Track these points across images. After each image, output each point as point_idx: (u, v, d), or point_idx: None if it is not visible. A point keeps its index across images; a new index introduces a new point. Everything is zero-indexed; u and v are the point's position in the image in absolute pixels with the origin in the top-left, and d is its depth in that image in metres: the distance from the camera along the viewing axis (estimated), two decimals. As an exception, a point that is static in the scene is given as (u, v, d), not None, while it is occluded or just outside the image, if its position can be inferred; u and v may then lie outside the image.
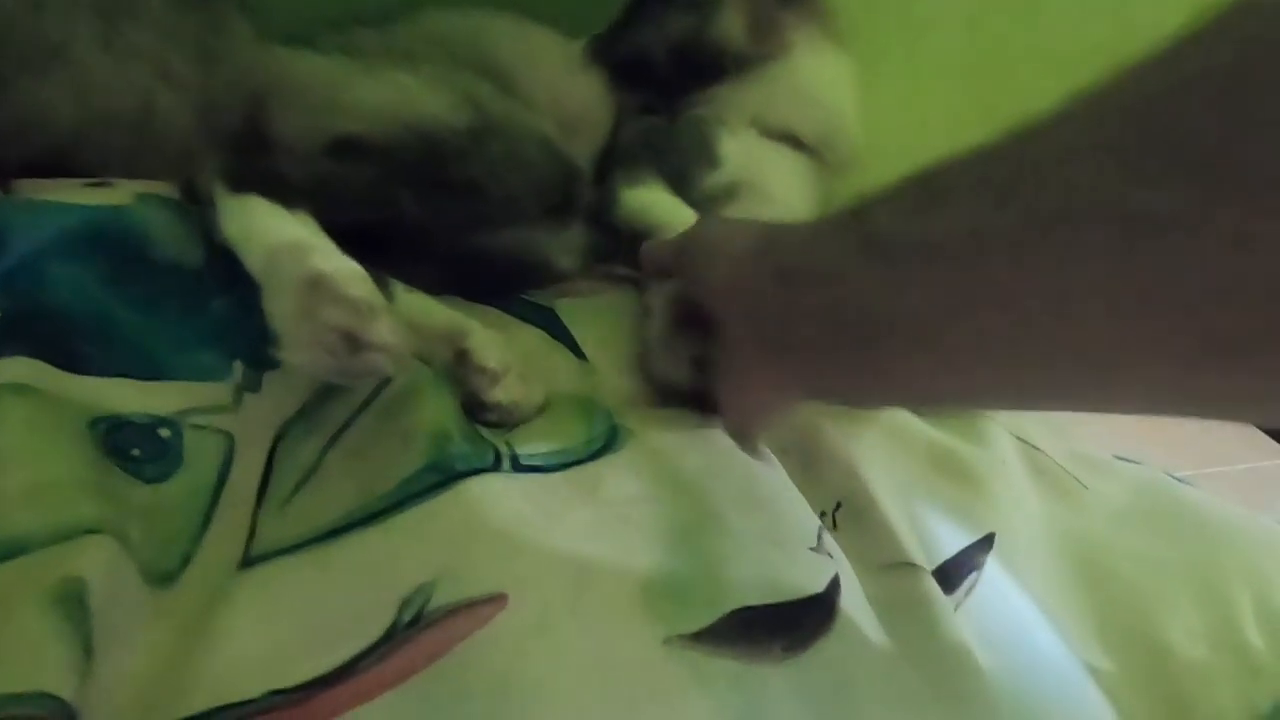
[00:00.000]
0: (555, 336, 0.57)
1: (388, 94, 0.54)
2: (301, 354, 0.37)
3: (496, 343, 0.48)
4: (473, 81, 0.61)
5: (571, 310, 0.60)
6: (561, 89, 0.69)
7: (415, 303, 0.49)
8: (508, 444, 0.40)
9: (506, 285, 0.61)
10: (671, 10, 0.67)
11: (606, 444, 0.41)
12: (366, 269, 0.42)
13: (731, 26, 0.67)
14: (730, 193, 0.68)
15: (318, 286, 0.37)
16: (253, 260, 0.42)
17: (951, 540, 0.45)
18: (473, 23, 0.69)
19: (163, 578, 0.33)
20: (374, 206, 0.50)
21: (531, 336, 0.56)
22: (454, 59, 0.63)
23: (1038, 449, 0.56)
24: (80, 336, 0.39)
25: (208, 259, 0.47)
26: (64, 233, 0.41)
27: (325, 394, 0.43)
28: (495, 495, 0.34)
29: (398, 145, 0.52)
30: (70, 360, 0.37)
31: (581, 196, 0.63)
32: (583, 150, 0.67)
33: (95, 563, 0.29)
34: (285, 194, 0.45)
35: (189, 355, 0.41)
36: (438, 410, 0.40)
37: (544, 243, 0.63)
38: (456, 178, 0.53)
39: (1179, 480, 0.58)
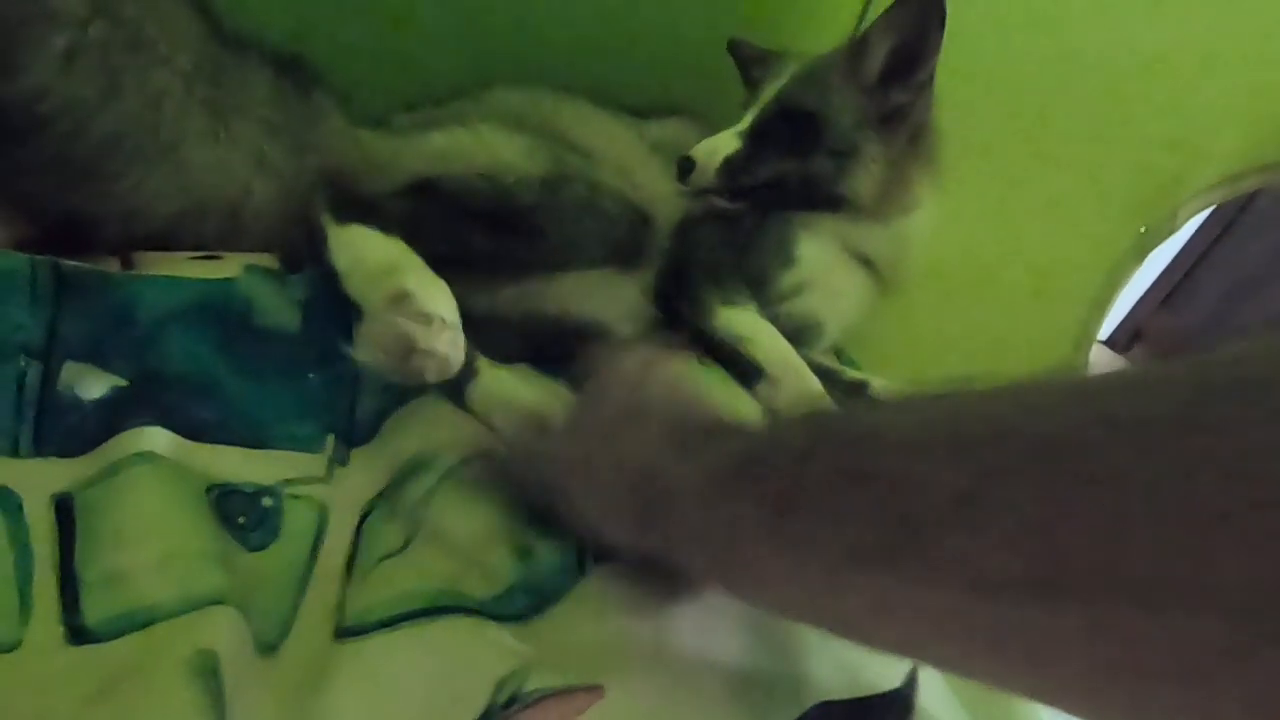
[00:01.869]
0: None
1: (464, 139, 0.58)
2: (365, 353, 0.43)
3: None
4: (548, 140, 0.64)
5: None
6: (631, 170, 0.72)
7: (502, 376, 0.52)
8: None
9: (568, 349, 0.64)
10: (818, 152, 0.69)
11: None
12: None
13: (865, 186, 0.70)
14: (799, 290, 0.72)
15: (400, 300, 0.43)
16: (354, 285, 0.47)
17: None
18: (542, 99, 0.73)
19: (267, 647, 0.34)
20: (447, 240, 0.53)
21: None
22: (526, 127, 0.67)
23: None
24: (197, 404, 0.41)
25: (304, 326, 0.50)
26: (182, 306, 0.44)
27: (405, 474, 0.44)
28: (588, 594, 0.35)
29: (471, 190, 0.55)
30: (189, 427, 0.40)
31: (652, 246, 0.65)
32: (653, 207, 0.69)
33: (223, 633, 0.30)
34: (382, 221, 0.50)
35: (288, 425, 0.44)
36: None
37: (606, 311, 0.65)
38: (526, 223, 0.56)
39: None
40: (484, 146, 0.58)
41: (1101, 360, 2.47)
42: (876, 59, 0.69)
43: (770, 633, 0.35)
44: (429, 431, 0.47)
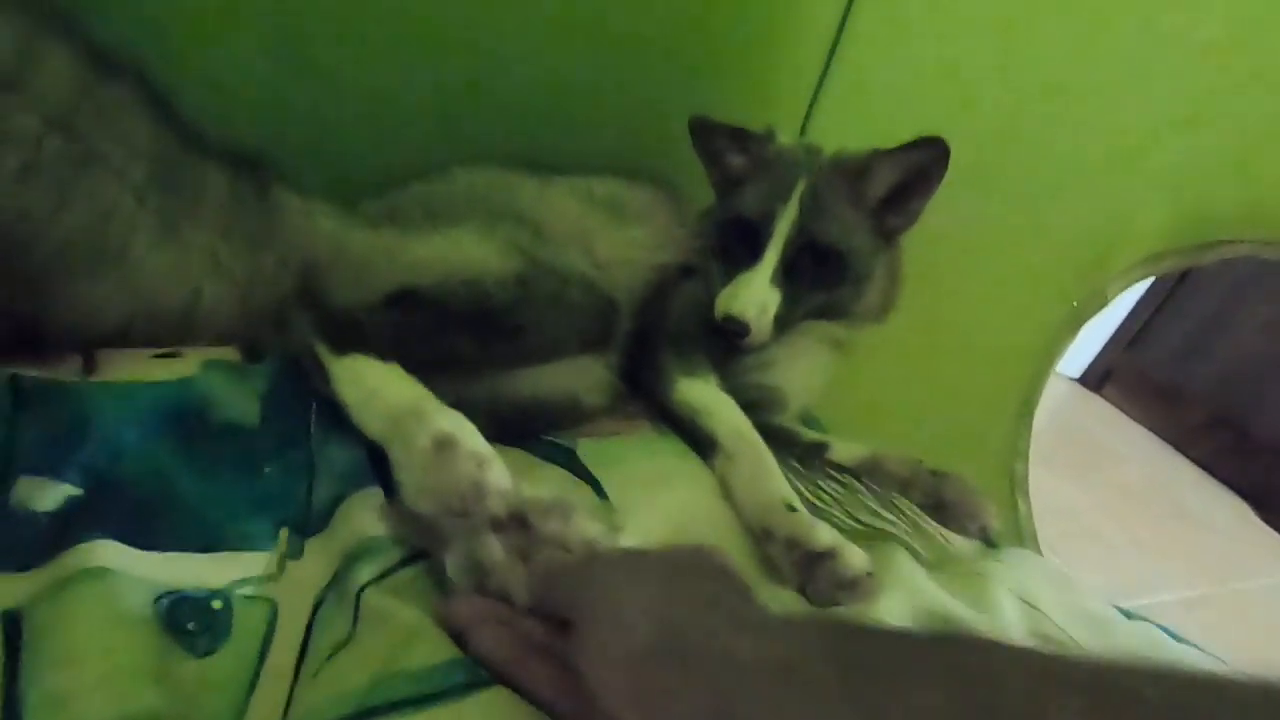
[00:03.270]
0: (577, 475, 0.60)
1: (440, 248, 0.61)
2: (431, 503, 0.43)
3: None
4: (513, 229, 0.67)
5: (592, 450, 0.64)
6: (590, 239, 0.75)
7: None
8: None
9: (533, 427, 0.65)
10: (844, 283, 0.74)
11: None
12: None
13: (873, 300, 0.77)
14: (763, 366, 0.76)
15: (444, 444, 0.44)
16: (372, 423, 0.49)
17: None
18: (499, 178, 0.77)
19: None
20: (434, 348, 0.56)
21: (555, 475, 0.60)
22: (489, 212, 0.69)
23: (1038, 609, 0.58)
24: (150, 512, 0.43)
25: (263, 418, 0.52)
26: (139, 411, 0.46)
27: (351, 560, 0.46)
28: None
29: (451, 295, 0.58)
30: (141, 537, 0.41)
31: (619, 328, 0.68)
32: (616, 288, 0.73)
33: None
34: (372, 344, 0.52)
35: (241, 524, 0.45)
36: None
37: (575, 384, 0.68)
38: (506, 322, 0.59)
39: (1177, 638, 0.60)
40: (460, 253, 0.61)
41: (1074, 397, 2.53)
42: (880, 188, 0.73)
43: None
44: (378, 517, 0.48)
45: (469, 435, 0.46)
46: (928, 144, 0.70)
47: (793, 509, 0.57)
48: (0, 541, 0.39)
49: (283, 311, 0.58)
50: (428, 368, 0.53)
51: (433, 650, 0.38)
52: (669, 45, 0.84)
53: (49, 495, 0.41)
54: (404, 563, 0.45)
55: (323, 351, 0.52)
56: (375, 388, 0.50)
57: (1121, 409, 2.41)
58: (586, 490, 0.59)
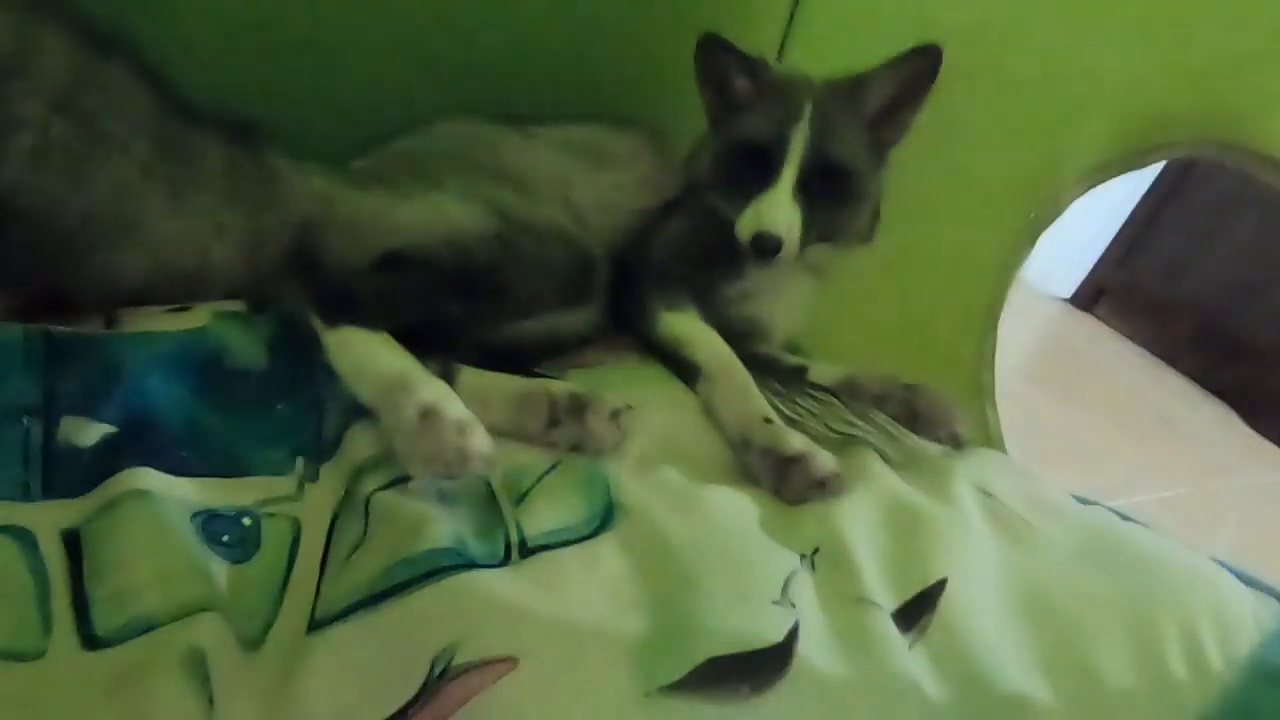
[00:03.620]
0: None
1: (425, 211, 0.64)
2: (421, 468, 0.48)
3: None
4: (494, 188, 0.70)
5: (582, 380, 0.68)
6: (569, 186, 0.78)
7: (479, 378, 0.59)
8: (518, 525, 0.48)
9: (524, 360, 0.70)
10: (850, 200, 0.76)
11: (604, 522, 0.49)
12: (432, 355, 0.54)
13: (867, 220, 0.80)
14: (745, 297, 0.79)
15: (429, 414, 0.49)
16: (365, 392, 0.53)
17: (908, 586, 0.51)
18: (480, 132, 0.79)
19: (251, 644, 0.41)
20: (422, 311, 0.60)
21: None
22: (471, 168, 0.73)
23: (994, 497, 0.63)
24: (179, 444, 0.48)
25: (271, 361, 0.56)
26: (160, 357, 0.51)
27: (359, 474, 0.51)
28: (508, 578, 0.42)
29: (436, 257, 0.61)
30: (173, 465, 0.47)
31: (598, 281, 0.72)
32: (596, 236, 0.76)
33: (209, 634, 0.37)
34: (362, 313, 0.55)
35: (262, 453, 0.51)
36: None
37: (556, 323, 0.72)
38: (489, 282, 0.63)
39: (1126, 518, 0.64)
40: (443, 215, 0.64)
41: (1066, 317, 2.56)
42: (875, 101, 0.75)
43: (668, 604, 0.42)
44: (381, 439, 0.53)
45: (451, 404, 0.50)
46: (922, 52, 0.72)
47: (768, 421, 0.62)
48: (53, 473, 0.44)
49: (285, 266, 0.62)
50: (417, 330, 0.57)
51: (433, 537, 0.43)
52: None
53: (90, 433, 0.46)
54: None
55: (316, 323, 0.56)
56: (364, 358, 0.54)
57: (1113, 326, 2.45)
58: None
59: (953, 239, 0.91)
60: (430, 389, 0.51)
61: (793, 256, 0.74)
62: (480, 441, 0.49)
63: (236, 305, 0.58)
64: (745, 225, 0.73)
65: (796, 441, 0.59)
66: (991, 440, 0.98)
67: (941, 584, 0.52)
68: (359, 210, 0.64)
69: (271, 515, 0.48)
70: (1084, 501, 0.67)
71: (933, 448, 0.75)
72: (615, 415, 0.56)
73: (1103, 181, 0.85)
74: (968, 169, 0.86)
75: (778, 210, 0.72)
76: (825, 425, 0.73)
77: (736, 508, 0.53)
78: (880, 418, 0.79)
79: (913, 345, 0.92)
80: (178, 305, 0.57)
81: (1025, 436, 1.06)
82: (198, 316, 0.55)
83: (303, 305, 0.57)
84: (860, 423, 0.75)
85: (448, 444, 0.48)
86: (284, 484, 0.50)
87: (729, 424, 0.64)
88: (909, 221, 0.80)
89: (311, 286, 0.58)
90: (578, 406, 0.56)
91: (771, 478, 0.59)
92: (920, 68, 0.73)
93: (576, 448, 0.55)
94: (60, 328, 0.50)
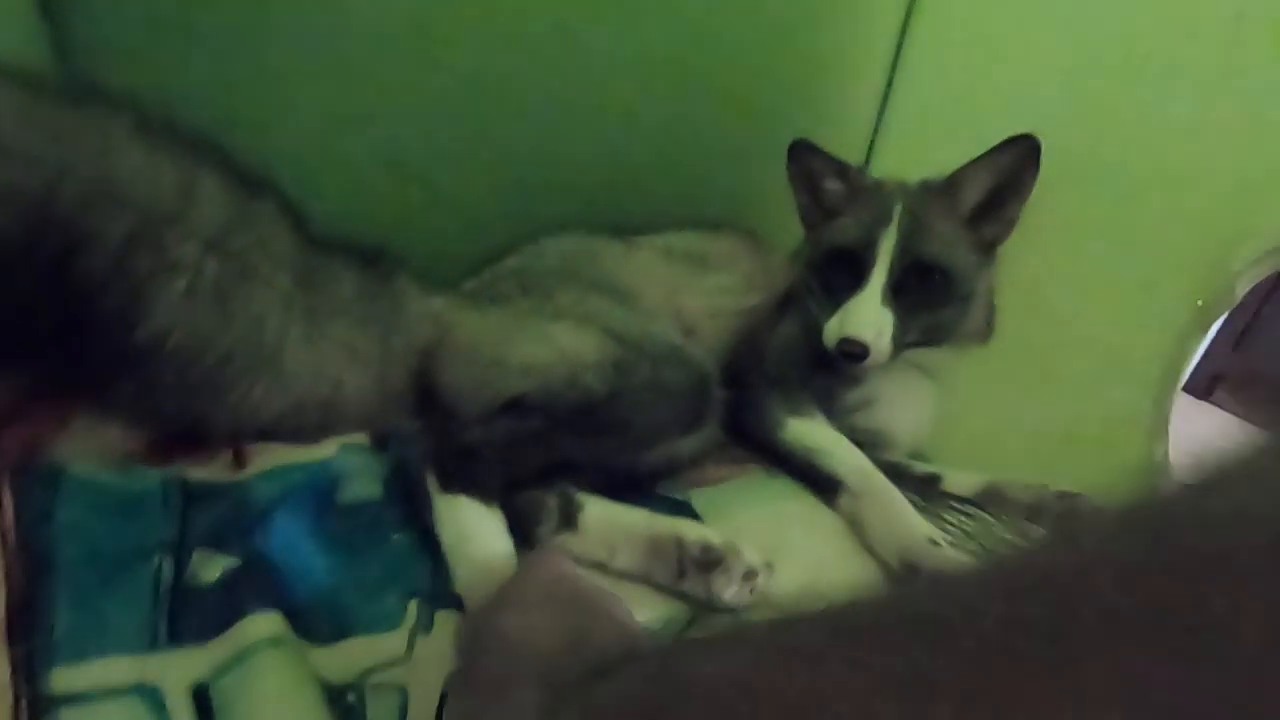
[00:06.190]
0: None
1: (542, 347, 0.61)
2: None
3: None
4: (605, 305, 0.68)
5: (706, 500, 0.64)
6: (675, 289, 0.76)
7: (603, 510, 0.56)
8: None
9: (644, 482, 0.66)
10: (951, 303, 0.73)
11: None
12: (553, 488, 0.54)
13: (976, 321, 0.77)
14: (866, 404, 0.75)
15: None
16: (457, 570, 0.49)
17: None
18: (586, 245, 0.79)
19: None
20: (543, 454, 0.57)
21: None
22: (581, 283, 0.72)
23: None
24: (291, 588, 0.45)
25: (386, 493, 0.54)
26: (288, 490, 0.49)
27: None
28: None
29: (557, 397, 0.58)
30: (286, 607, 0.44)
31: (714, 401, 0.67)
32: (707, 342, 0.74)
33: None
34: (479, 470, 0.53)
35: (372, 603, 0.46)
36: None
37: (679, 448, 0.67)
38: (608, 415, 0.59)
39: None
40: (559, 351, 0.61)
41: (1183, 407, 2.37)
42: (971, 197, 0.73)
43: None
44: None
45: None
46: (1014, 143, 0.69)
47: (935, 544, 0.56)
48: (180, 615, 0.42)
49: (410, 397, 0.60)
50: (541, 471, 0.54)
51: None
52: (735, 93, 0.86)
53: (213, 566, 0.44)
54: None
55: (432, 484, 0.53)
56: (468, 535, 0.50)
57: (1234, 413, 2.26)
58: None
59: (1111, 333, 0.83)
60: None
61: (883, 361, 0.70)
62: None
63: (361, 438, 0.57)
64: (831, 331, 0.70)
65: None
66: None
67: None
68: (477, 340, 0.63)
69: (376, 687, 0.43)
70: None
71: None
72: (750, 576, 0.51)
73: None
74: (1125, 254, 0.80)
75: (863, 315, 0.69)
76: (980, 544, 0.65)
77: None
78: (1035, 532, 0.70)
79: (1065, 450, 0.83)
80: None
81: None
82: (327, 449, 0.54)
83: (420, 456, 0.54)
84: (1018, 540, 0.67)
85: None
86: (392, 643, 0.45)
87: (886, 546, 0.57)
88: (1059, 314, 0.73)
89: (431, 428, 0.56)
90: (710, 562, 0.51)
91: None
92: (1016, 159, 0.70)
93: (708, 603, 0.50)
94: (196, 473, 0.49)
